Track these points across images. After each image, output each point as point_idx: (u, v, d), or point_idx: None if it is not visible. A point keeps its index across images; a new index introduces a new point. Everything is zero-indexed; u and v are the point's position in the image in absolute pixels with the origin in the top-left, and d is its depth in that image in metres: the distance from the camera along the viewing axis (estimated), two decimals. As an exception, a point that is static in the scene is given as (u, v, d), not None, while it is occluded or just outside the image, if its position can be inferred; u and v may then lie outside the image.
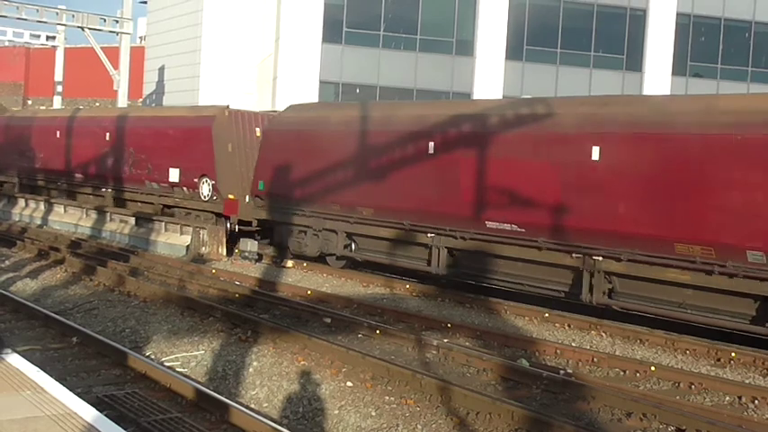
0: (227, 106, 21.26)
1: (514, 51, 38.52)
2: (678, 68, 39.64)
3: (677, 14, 39.47)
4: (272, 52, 38.37)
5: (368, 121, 17.57)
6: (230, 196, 20.19)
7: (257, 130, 20.81)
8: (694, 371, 10.82)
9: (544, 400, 9.18)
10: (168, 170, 22.34)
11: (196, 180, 21.43)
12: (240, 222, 20.47)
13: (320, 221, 18.14)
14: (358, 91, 37.10)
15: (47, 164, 28.51)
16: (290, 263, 19.00)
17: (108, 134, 25.05)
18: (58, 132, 27.76)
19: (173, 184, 22.32)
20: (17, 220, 26.39)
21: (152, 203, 23.37)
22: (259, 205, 19.70)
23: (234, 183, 20.42)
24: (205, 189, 21.03)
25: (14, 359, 7.32)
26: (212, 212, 21.10)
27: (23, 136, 29.92)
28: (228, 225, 20.57)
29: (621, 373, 10.60)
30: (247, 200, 20.13)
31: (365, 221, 17.20)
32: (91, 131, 26.07)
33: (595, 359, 11.03)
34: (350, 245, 18.00)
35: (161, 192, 22.96)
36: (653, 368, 10.54)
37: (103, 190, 25.51)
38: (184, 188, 21.94)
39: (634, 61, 39.60)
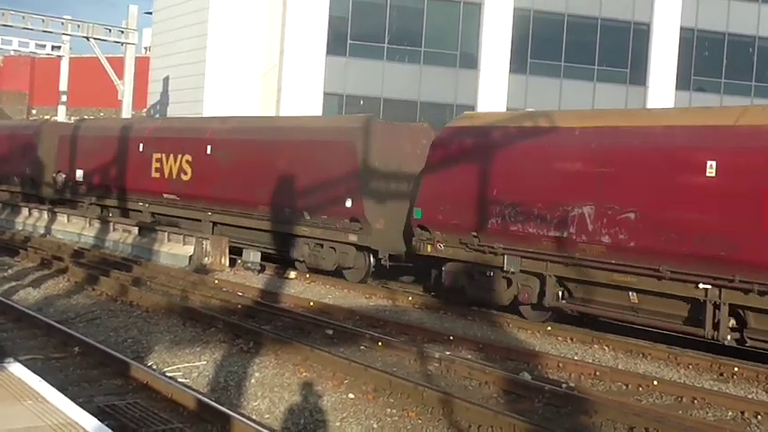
0: None
1: (518, 64, 38.58)
2: (682, 82, 39.69)
3: (681, 28, 39.54)
4: (276, 64, 38.47)
5: None
6: None
7: None
8: (697, 385, 10.79)
9: (546, 414, 9.14)
10: None
11: None
12: None
13: None
14: (362, 103, 37.17)
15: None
16: (292, 274, 18.98)
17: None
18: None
19: None
20: (20, 228, 26.42)
21: None
22: None
23: None
24: None
25: (16, 368, 7.32)
26: None
27: None
28: None
29: (624, 387, 10.57)
30: None
31: None
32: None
33: (598, 373, 10.99)
34: None
35: None
36: (655, 382, 10.51)
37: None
38: None
39: (638, 75, 39.64)
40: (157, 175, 22.90)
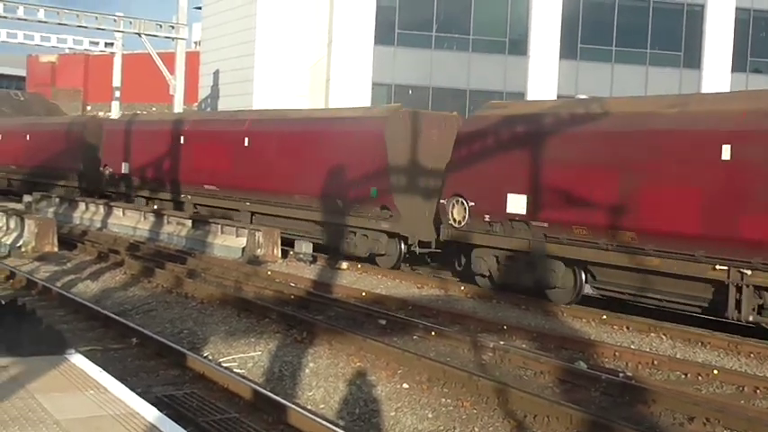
0: None
1: (568, 50, 38.07)
2: (738, 64, 38.73)
3: (736, 9, 38.57)
4: (324, 55, 38.56)
5: None
6: None
7: None
8: (759, 374, 10.54)
9: (603, 404, 9.02)
10: None
11: None
12: None
13: None
14: (410, 92, 37.07)
15: None
16: (344, 264, 19.03)
17: None
18: None
19: None
20: (77, 223, 26.94)
21: None
22: None
23: None
24: None
25: (78, 359, 7.45)
26: None
27: None
28: None
29: (683, 377, 10.38)
30: None
31: None
32: None
33: (655, 362, 10.81)
34: None
35: None
36: (715, 371, 10.29)
37: None
38: None
39: (692, 58, 38.81)
40: None
